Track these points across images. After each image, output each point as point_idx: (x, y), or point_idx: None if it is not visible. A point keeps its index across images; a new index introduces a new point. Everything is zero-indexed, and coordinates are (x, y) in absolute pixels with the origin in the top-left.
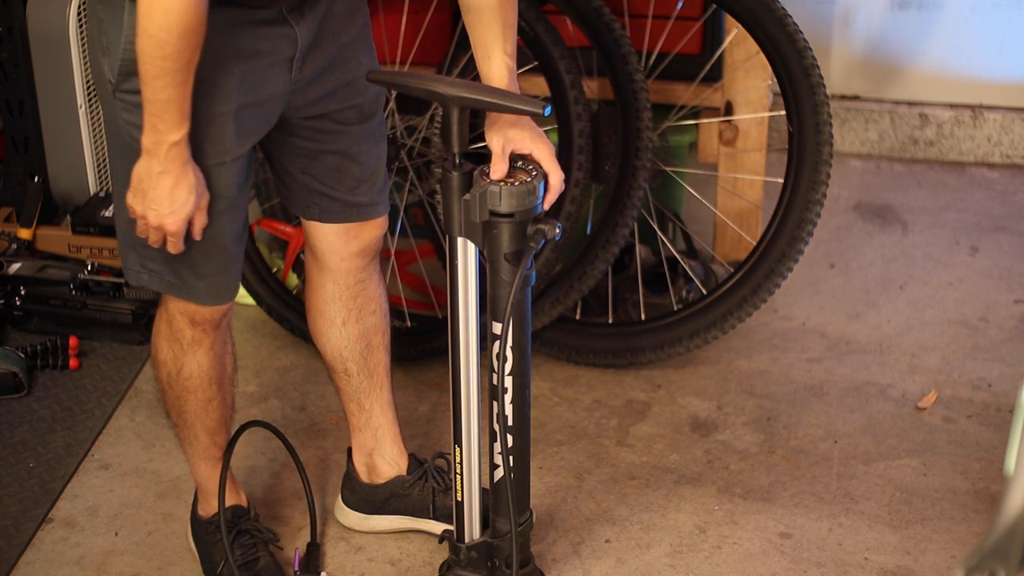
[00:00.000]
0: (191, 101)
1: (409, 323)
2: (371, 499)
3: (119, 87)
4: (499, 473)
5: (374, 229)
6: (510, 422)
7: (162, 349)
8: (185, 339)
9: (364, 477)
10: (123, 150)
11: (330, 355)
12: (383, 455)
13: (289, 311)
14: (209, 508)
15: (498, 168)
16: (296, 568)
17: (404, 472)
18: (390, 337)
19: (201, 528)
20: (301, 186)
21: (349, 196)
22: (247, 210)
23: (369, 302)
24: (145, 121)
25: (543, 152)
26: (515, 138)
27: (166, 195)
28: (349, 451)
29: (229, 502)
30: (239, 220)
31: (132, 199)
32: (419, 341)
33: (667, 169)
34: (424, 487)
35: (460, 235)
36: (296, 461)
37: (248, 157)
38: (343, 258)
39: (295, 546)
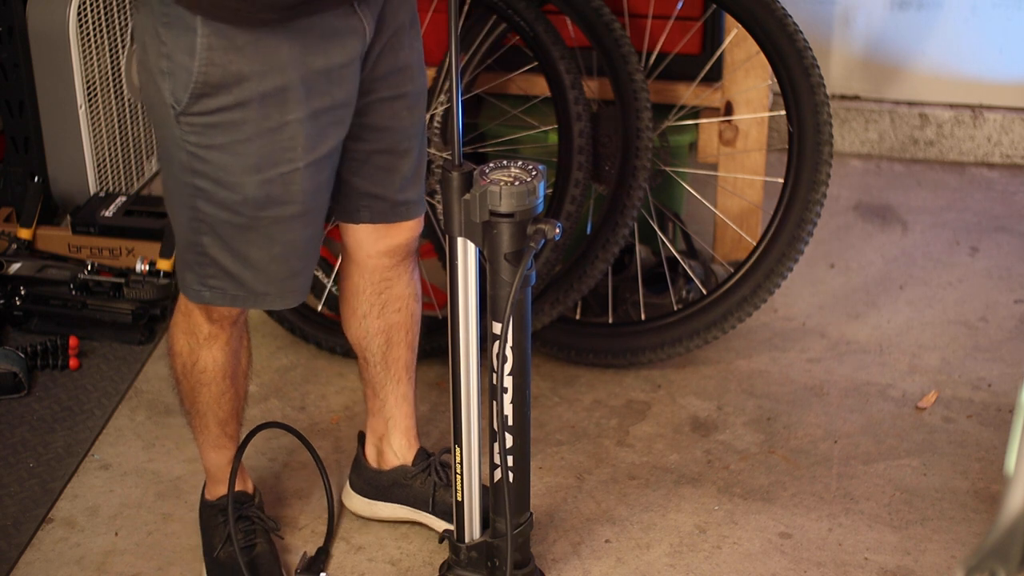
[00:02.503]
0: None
1: None
2: (375, 484)
3: (187, 111)
4: (499, 473)
5: (406, 231)
6: (510, 422)
7: (178, 340)
8: (202, 333)
9: (372, 462)
10: (181, 174)
11: (352, 341)
12: (390, 444)
13: (289, 311)
14: (215, 492)
15: None
16: (298, 568)
17: (409, 464)
18: (417, 336)
19: (206, 511)
20: (351, 189)
21: (399, 195)
22: (323, 216)
23: (395, 300)
24: None
25: None
26: None
27: None
28: (361, 435)
29: (235, 488)
30: (313, 225)
31: None
32: (419, 341)
33: (667, 169)
34: (426, 480)
35: (460, 235)
36: (320, 467)
37: (325, 163)
38: (370, 255)
39: (296, 546)
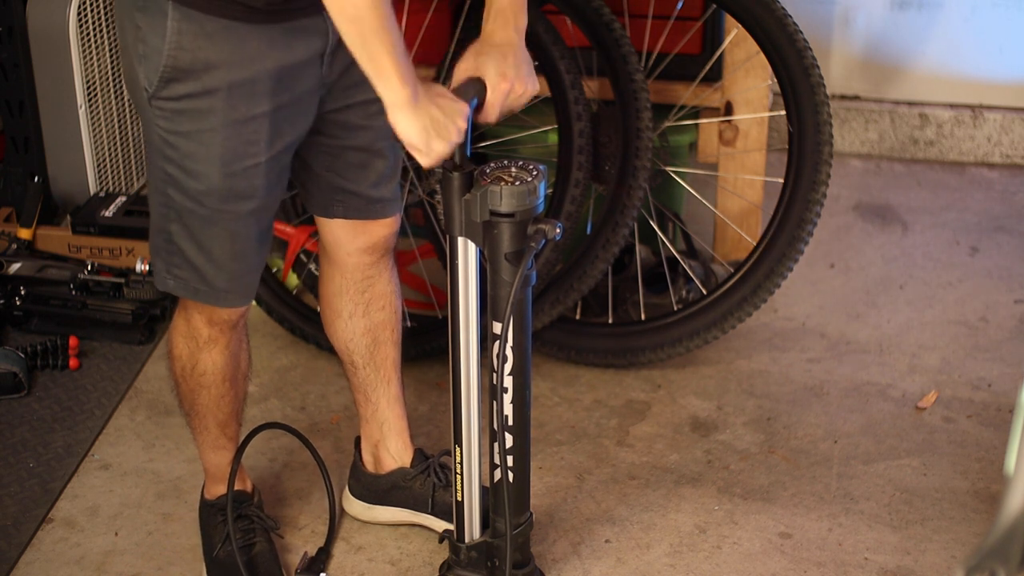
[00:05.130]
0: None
1: (409, 323)
2: (374, 488)
3: (157, 94)
4: (499, 473)
5: (382, 228)
6: (510, 422)
7: (178, 344)
8: (201, 337)
9: (370, 467)
10: (155, 158)
11: (338, 346)
12: (387, 448)
13: (289, 311)
14: (214, 491)
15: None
16: (298, 568)
17: (407, 466)
18: (401, 334)
19: (205, 510)
20: (325, 183)
21: (373, 191)
22: (275, 210)
23: (378, 298)
24: (388, 85)
25: (491, 69)
26: (482, 62)
27: (451, 122)
28: (357, 440)
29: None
30: (268, 220)
31: (433, 151)
32: (419, 341)
33: (667, 169)
34: (425, 481)
35: (460, 235)
36: (321, 467)
37: (281, 158)
38: (350, 253)
39: (296, 546)
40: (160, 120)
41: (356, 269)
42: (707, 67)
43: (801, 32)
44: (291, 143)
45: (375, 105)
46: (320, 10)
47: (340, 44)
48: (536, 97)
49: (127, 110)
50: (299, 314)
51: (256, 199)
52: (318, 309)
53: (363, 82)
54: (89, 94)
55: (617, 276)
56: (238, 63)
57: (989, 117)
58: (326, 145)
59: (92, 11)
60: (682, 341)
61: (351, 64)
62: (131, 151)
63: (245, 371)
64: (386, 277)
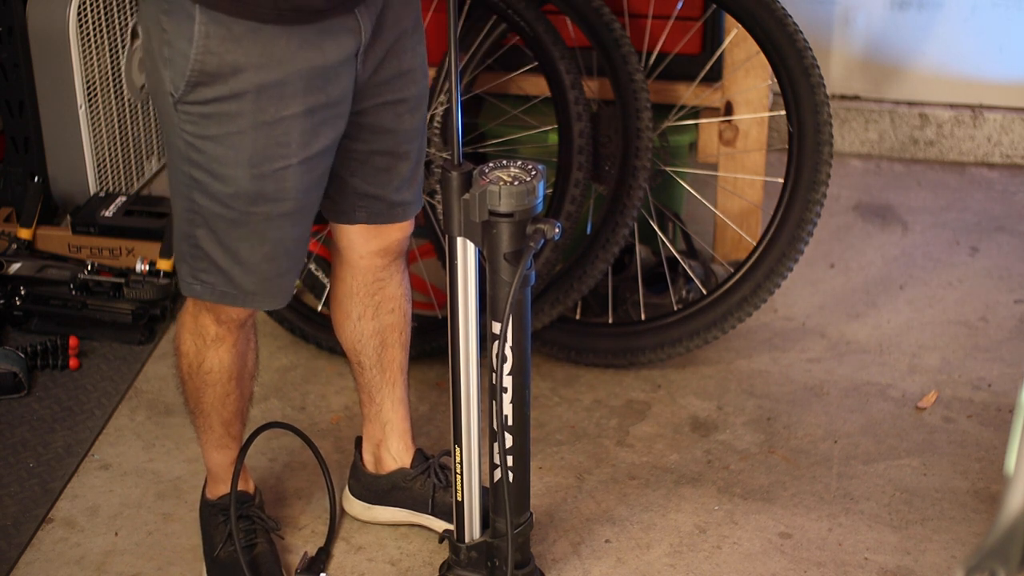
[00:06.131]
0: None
1: None
2: (374, 488)
3: (184, 99)
4: (499, 473)
5: (398, 231)
6: (510, 422)
7: (185, 341)
8: (209, 335)
9: (370, 467)
10: (180, 163)
11: (345, 346)
12: (388, 449)
13: (289, 311)
14: (216, 491)
15: None
16: (298, 568)
17: (408, 466)
18: (409, 337)
19: (206, 510)
20: (349, 189)
21: (395, 195)
22: (313, 214)
23: (388, 300)
24: None
25: None
26: None
27: None
28: (358, 440)
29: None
30: (303, 224)
31: None
32: (419, 341)
33: (667, 169)
34: (425, 482)
35: (460, 235)
36: (323, 467)
37: (318, 162)
38: (362, 256)
39: (296, 546)
40: (186, 124)
41: (368, 271)
42: (707, 67)
43: (801, 32)
44: (329, 146)
45: (404, 105)
46: (351, 9)
47: (372, 42)
48: (536, 97)
49: (127, 110)
50: (299, 314)
51: (288, 201)
52: (318, 309)
53: (392, 80)
54: (89, 94)
55: (617, 276)
56: (266, 65)
57: (989, 117)
58: (353, 150)
59: (92, 11)
60: (682, 341)
61: (381, 62)
62: (131, 151)
63: (252, 370)
64: (397, 280)
